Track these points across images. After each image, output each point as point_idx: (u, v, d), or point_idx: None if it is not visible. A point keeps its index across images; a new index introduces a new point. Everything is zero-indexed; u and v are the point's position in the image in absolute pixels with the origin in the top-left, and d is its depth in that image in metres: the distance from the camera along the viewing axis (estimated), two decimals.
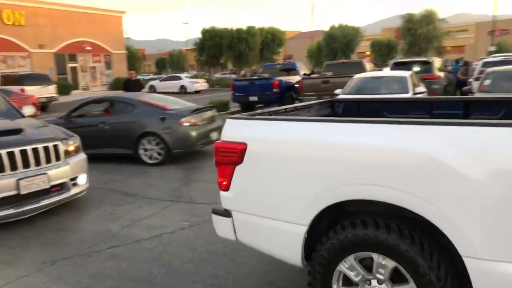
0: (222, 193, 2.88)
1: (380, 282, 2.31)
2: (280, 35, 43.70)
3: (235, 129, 2.79)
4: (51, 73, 28.92)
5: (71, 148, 5.44)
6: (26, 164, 4.77)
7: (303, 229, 2.50)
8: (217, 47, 40.71)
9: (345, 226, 2.36)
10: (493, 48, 36.31)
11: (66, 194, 5.21)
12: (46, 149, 4.98)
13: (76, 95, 28.42)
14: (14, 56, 30.45)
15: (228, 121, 2.87)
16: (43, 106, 19.07)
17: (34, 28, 30.96)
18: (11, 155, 4.66)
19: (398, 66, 14.11)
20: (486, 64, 13.65)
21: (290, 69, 18.52)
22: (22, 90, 18.02)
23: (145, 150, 8.12)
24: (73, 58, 35.02)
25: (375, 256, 2.28)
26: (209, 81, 38.17)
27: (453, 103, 3.92)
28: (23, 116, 6.00)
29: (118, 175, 7.43)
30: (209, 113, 8.77)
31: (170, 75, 38.28)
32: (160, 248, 4.21)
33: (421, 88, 9.86)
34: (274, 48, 43.67)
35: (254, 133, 2.69)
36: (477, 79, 11.87)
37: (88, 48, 35.72)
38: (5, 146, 4.66)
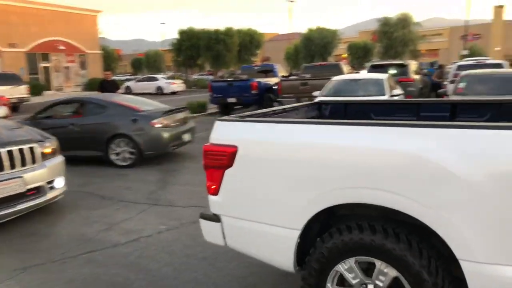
0: (210, 197, 2.79)
1: None
2: (258, 37, 43.74)
3: (224, 132, 2.71)
4: (22, 73, 28.10)
5: (48, 150, 5.27)
6: (0, 167, 4.60)
7: (296, 234, 2.44)
8: (194, 48, 40.48)
9: (351, 228, 2.30)
10: (465, 52, 37.39)
11: (42, 198, 5.05)
12: (21, 151, 4.82)
13: (49, 96, 27.66)
14: None
15: (217, 123, 2.78)
16: (14, 107, 18.49)
17: (4, 26, 30.02)
18: None
19: (375, 68, 14.40)
20: (460, 68, 14.06)
21: (268, 71, 18.53)
22: None
23: (116, 152, 7.97)
24: (45, 57, 34.16)
25: (377, 262, 2.24)
26: (186, 82, 37.91)
27: (440, 105, 3.95)
28: None
29: (94, 177, 7.26)
30: (181, 115, 8.68)
31: (147, 75, 37.71)
32: (137, 253, 4.12)
33: (398, 91, 10.03)
34: (252, 50, 43.67)
35: (245, 135, 2.62)
36: (452, 81, 12.18)
37: (62, 47, 34.87)
38: None
